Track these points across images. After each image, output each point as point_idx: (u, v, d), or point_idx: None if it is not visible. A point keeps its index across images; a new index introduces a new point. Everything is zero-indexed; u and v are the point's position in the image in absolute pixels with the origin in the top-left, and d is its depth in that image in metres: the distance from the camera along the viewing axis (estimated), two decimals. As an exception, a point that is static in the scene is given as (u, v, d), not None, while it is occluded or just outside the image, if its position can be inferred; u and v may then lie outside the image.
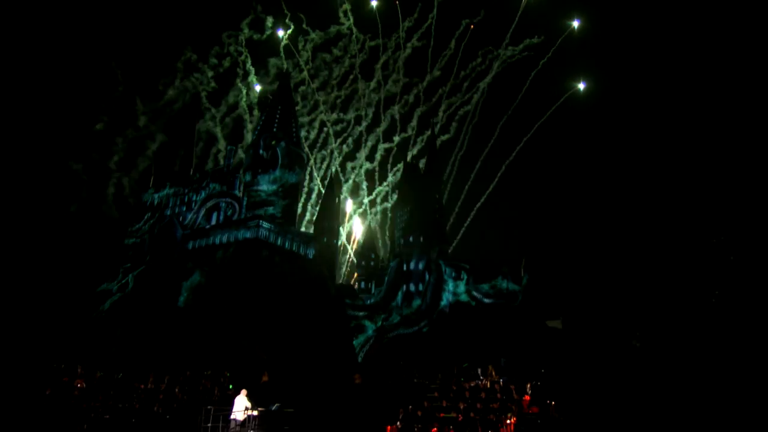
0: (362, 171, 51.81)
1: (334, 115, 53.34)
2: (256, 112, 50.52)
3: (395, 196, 47.99)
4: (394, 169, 51.83)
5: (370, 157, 53.26)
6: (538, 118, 56.44)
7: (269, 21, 53.78)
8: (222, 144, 48.75)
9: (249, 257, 29.15)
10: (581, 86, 55.44)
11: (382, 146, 54.00)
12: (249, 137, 48.29)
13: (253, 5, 54.31)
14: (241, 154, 41.78)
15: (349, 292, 34.90)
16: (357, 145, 54.17)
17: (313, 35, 54.33)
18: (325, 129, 52.60)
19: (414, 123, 55.01)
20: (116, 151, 46.57)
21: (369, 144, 53.80)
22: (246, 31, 54.14)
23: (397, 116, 55.19)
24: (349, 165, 52.94)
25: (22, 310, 27.86)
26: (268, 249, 30.31)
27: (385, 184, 51.47)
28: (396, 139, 54.40)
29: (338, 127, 54.77)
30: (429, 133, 47.73)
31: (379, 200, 51.72)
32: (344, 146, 53.46)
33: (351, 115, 54.67)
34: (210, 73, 52.03)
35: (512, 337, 30.64)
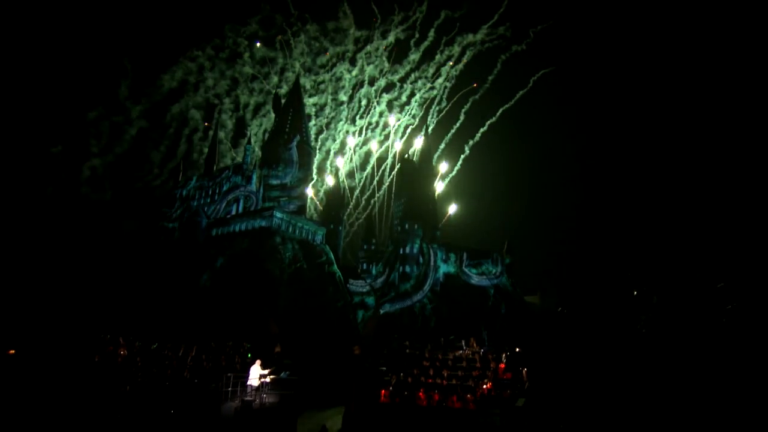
0: (331, 153, 50.24)
1: (313, 99, 51.22)
2: (243, 98, 48.70)
3: (359, 178, 47.16)
4: (359, 150, 49.91)
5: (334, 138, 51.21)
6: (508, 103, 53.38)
7: (279, 20, 51.17)
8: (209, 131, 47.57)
9: (264, 243, 29.80)
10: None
11: (347, 127, 51.80)
12: (229, 122, 47.52)
13: (262, 6, 51.70)
14: (225, 151, 41.66)
15: (353, 272, 35.55)
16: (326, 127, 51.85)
17: (309, 29, 51.59)
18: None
19: (383, 107, 52.59)
20: (100, 137, 44.58)
21: (339, 127, 51.60)
22: (254, 26, 51.21)
23: (374, 101, 52.72)
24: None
25: (74, 288, 28.61)
26: (280, 236, 30.95)
27: (350, 162, 49.68)
28: (360, 122, 52.16)
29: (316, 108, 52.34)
30: (420, 128, 47.44)
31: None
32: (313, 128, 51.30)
33: (327, 98, 52.33)
34: (207, 65, 49.21)
35: (494, 312, 31.32)
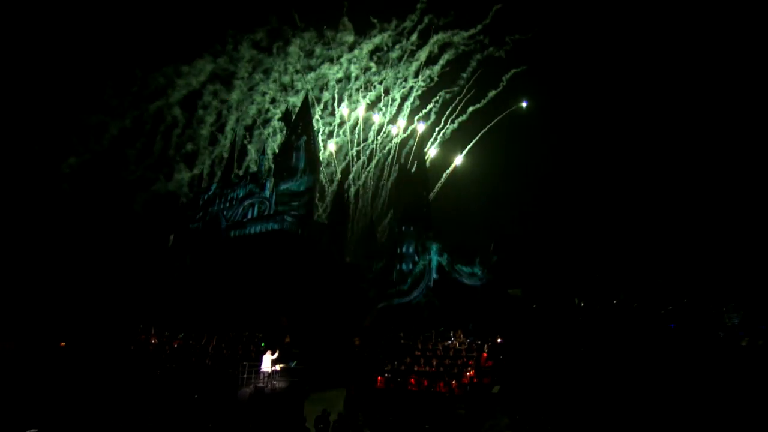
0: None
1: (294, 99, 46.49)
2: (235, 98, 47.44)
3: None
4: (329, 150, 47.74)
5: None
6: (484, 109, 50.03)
7: (287, 32, 48.99)
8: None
9: (276, 244, 30.51)
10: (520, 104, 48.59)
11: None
12: (209, 118, 45.29)
13: (269, 18, 47.98)
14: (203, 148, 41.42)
15: (355, 269, 36.21)
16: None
17: (307, 36, 47.02)
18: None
19: (357, 107, 48.76)
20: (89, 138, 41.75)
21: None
22: (260, 34, 45.68)
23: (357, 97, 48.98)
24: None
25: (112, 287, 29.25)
26: (291, 237, 31.66)
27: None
28: (333, 120, 48.55)
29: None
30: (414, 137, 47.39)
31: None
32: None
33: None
34: (208, 68, 43.99)
35: (480, 305, 31.87)
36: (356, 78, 49.23)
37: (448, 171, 48.71)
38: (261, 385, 15.74)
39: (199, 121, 44.78)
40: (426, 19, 48.64)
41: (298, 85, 47.72)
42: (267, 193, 35.14)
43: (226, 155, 43.74)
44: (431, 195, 42.67)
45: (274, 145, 44.79)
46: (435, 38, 48.27)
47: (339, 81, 48.17)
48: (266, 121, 47.54)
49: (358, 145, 49.22)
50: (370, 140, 49.43)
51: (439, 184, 47.89)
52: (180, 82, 43.10)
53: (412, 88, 49.10)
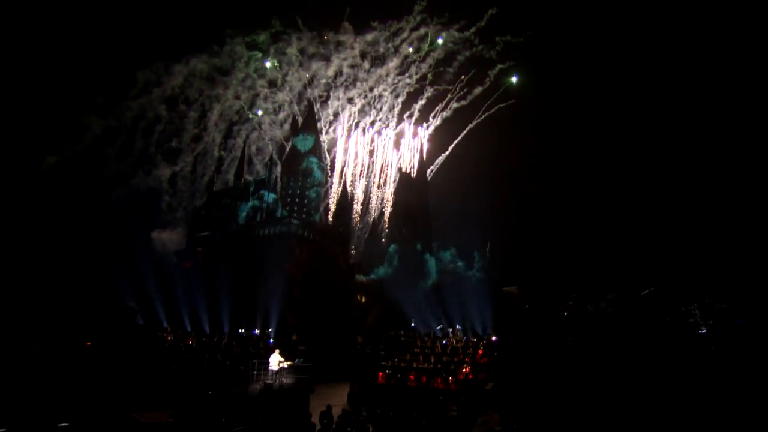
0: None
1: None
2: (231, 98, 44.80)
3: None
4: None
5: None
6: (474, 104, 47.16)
7: (290, 36, 44.78)
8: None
9: (283, 245, 30.83)
10: (513, 79, 45.35)
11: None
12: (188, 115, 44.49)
13: (272, 22, 45.34)
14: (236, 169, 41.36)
15: (359, 269, 36.53)
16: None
17: (306, 36, 45.13)
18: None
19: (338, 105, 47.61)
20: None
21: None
22: (261, 37, 43.99)
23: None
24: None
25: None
26: (297, 239, 31.95)
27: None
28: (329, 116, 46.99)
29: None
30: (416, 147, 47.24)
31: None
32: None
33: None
34: (205, 69, 42.44)
35: (476, 303, 32.10)
36: (350, 78, 48.84)
37: (444, 155, 47.13)
38: (269, 381, 16.04)
39: (188, 118, 43.74)
40: (419, 18, 47.67)
41: (297, 86, 47.34)
42: (275, 197, 35.52)
43: (217, 154, 43.44)
44: (430, 196, 42.62)
45: (270, 148, 44.45)
46: (428, 38, 47.53)
47: (334, 79, 47.63)
48: (261, 120, 46.30)
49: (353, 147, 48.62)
50: (369, 142, 48.98)
51: (432, 173, 46.63)
52: (178, 82, 42.21)
53: (406, 86, 48.36)
